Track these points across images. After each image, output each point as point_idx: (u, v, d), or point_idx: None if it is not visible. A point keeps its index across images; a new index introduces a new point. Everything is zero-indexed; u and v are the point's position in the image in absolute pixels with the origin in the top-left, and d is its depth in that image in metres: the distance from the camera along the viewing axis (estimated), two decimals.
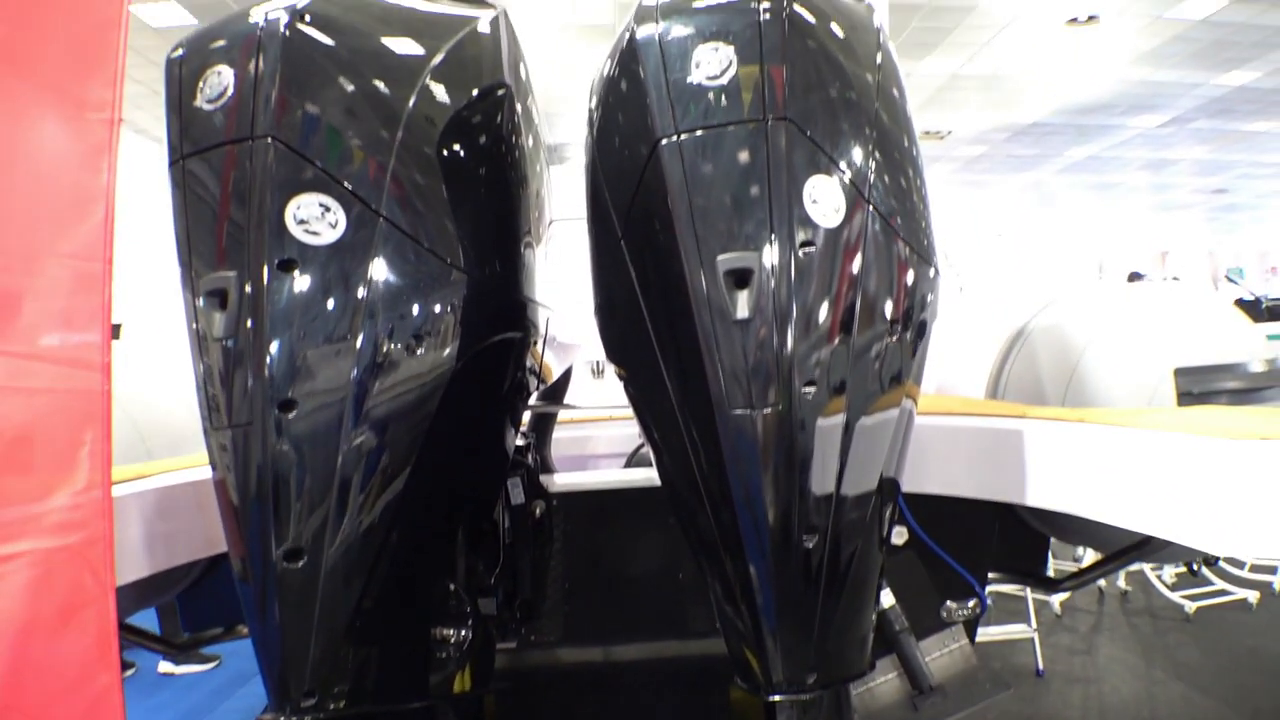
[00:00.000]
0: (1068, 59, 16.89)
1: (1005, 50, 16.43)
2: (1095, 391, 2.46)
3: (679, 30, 1.58)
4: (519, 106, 2.02)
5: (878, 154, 1.62)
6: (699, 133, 1.52)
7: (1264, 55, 16.59)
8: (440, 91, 1.67)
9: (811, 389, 1.50)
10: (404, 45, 1.68)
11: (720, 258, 1.49)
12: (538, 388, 2.28)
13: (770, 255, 1.49)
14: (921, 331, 1.69)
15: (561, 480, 2.48)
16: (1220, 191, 29.50)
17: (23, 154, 1.75)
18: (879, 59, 1.72)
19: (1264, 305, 12.74)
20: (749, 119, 1.51)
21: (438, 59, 1.68)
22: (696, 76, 1.53)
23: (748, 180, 1.50)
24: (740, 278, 1.49)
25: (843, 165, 1.56)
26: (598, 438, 3.50)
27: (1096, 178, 27.22)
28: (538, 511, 2.37)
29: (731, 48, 1.52)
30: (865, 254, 1.57)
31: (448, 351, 1.63)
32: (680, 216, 1.51)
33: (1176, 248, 43.09)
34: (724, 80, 1.52)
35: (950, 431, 2.29)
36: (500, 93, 1.89)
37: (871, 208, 1.58)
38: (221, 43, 1.56)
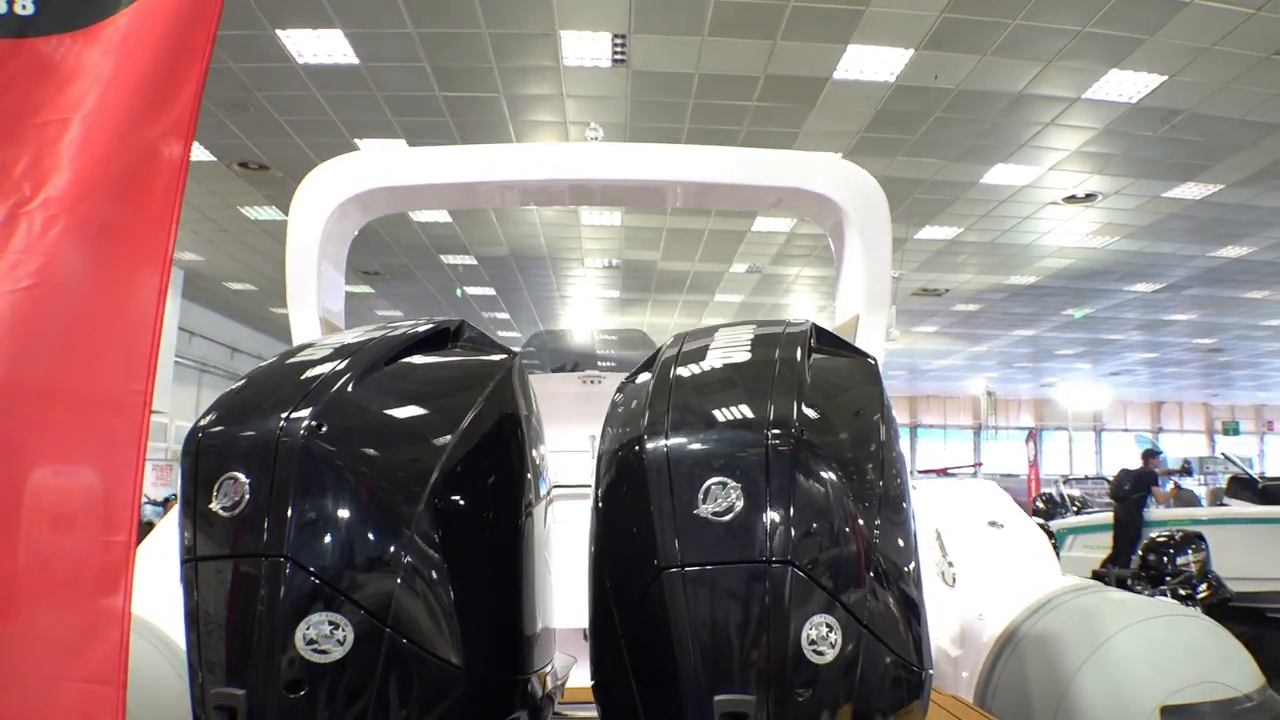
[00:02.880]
0: (1066, 232, 17.35)
1: (1004, 221, 16.89)
2: None
3: (688, 457, 1.60)
4: (531, 459, 2.03)
5: (879, 573, 1.62)
6: (703, 568, 1.54)
7: (1259, 233, 17.11)
8: (456, 482, 1.70)
9: None
10: (415, 448, 1.70)
11: (717, 698, 1.51)
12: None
13: (766, 700, 1.50)
14: None
15: None
16: (1215, 350, 29.90)
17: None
18: (881, 439, 1.75)
19: (1260, 485, 12.81)
20: (752, 560, 1.53)
21: (454, 445, 1.71)
22: (704, 510, 1.55)
23: (747, 621, 1.52)
24: (737, 719, 1.51)
25: (844, 599, 1.58)
26: None
27: (1092, 334, 27.66)
28: None
29: (739, 486, 1.55)
30: (863, 682, 1.60)
31: None
32: (681, 648, 1.54)
33: (1171, 399, 43.47)
34: (728, 518, 1.54)
35: None
36: (515, 460, 1.93)
37: (867, 631, 1.62)
38: (241, 445, 1.59)
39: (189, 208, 18.15)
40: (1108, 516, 14.00)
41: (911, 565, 1.73)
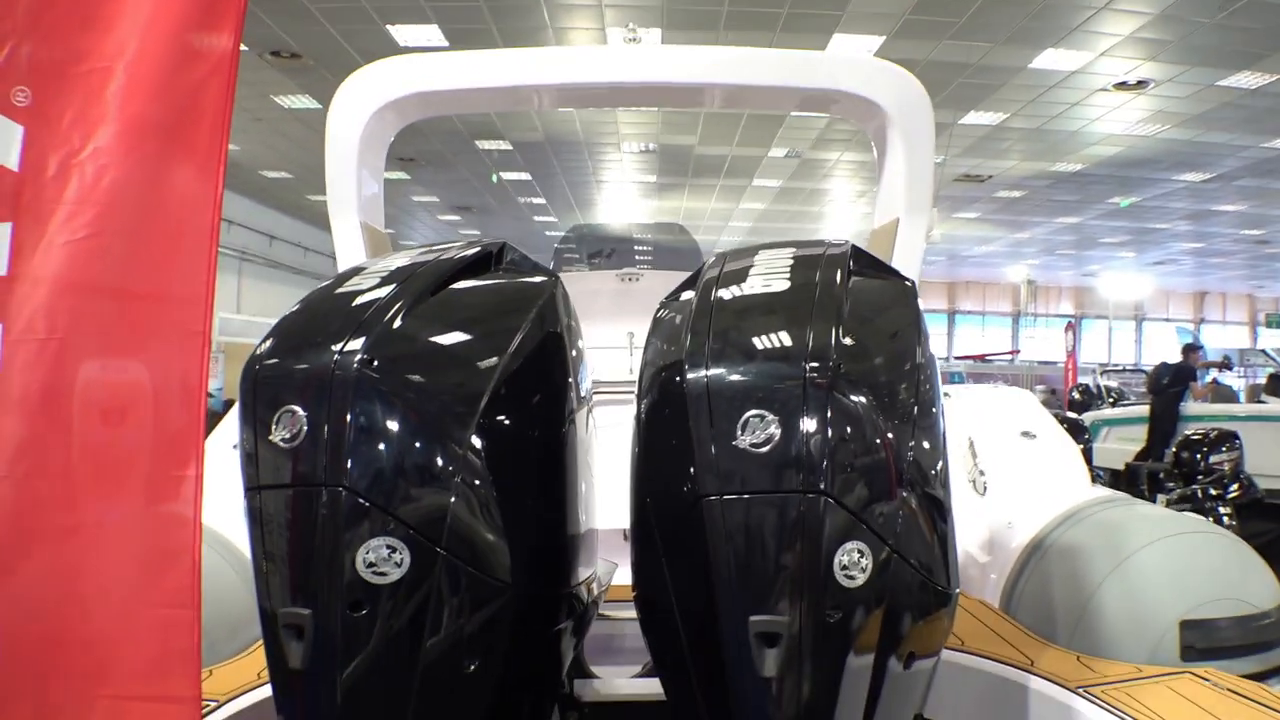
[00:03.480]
0: (1115, 119, 16.88)
1: (1051, 107, 16.44)
2: (1102, 635, 2.55)
3: (728, 389, 1.64)
4: (573, 371, 2.09)
5: (911, 499, 1.67)
6: (741, 498, 1.60)
7: None
8: (504, 405, 1.75)
9: None
10: (464, 376, 1.76)
11: (752, 619, 1.58)
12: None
13: (798, 621, 1.57)
14: (934, 652, 1.82)
15: (596, 688, 2.53)
16: (1262, 242, 29.27)
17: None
18: (917, 364, 1.79)
19: None
20: (789, 489, 1.58)
21: (500, 370, 1.76)
22: (742, 441, 1.60)
23: (783, 548, 1.58)
24: (770, 639, 1.58)
25: (876, 526, 1.65)
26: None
27: (1137, 224, 27.12)
28: None
29: (776, 419, 1.59)
30: (890, 604, 1.68)
31: (503, 663, 1.78)
32: (719, 572, 1.60)
33: (1215, 290, 42.76)
34: (766, 449, 1.59)
35: (961, 670, 2.42)
36: (559, 377, 1.98)
37: (898, 557, 1.69)
38: (295, 377, 1.65)
39: None
40: (1144, 409, 14.00)
41: (943, 489, 1.77)
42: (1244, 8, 11.75)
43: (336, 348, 1.65)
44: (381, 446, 1.62)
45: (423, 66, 4.06)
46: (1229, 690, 2.25)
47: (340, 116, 3.94)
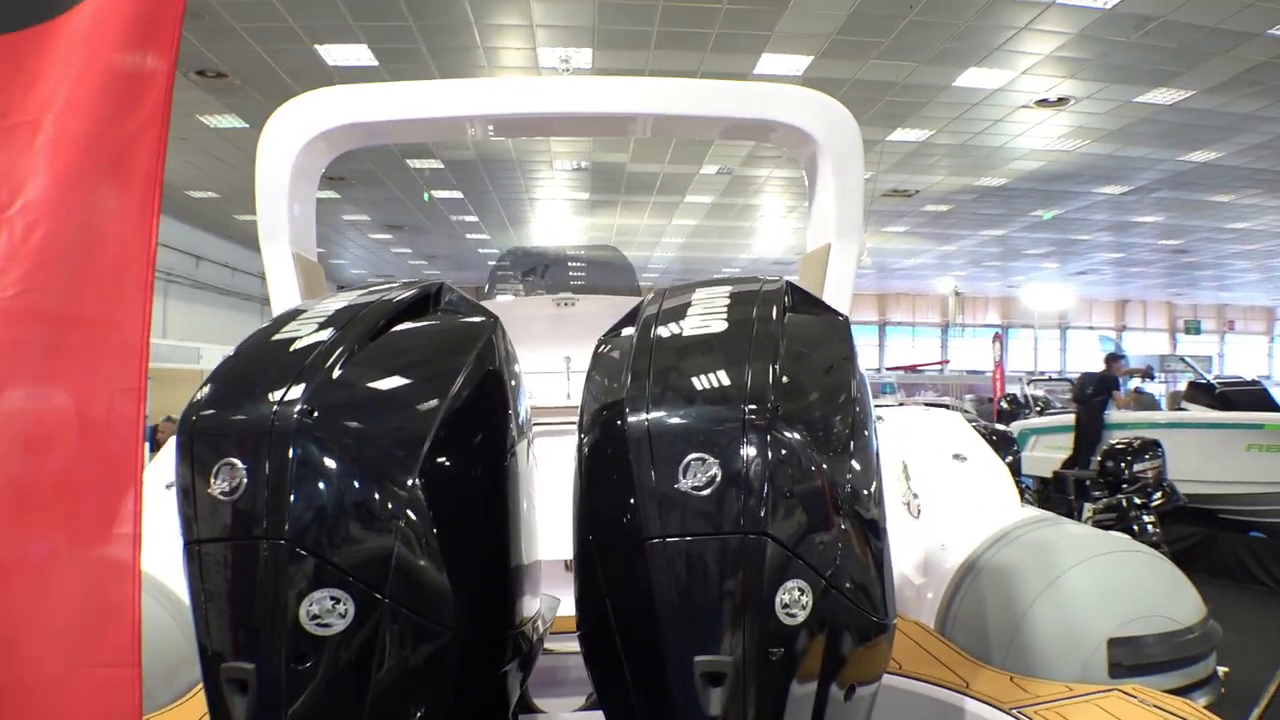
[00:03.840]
0: (1037, 135, 17.33)
1: (975, 124, 16.83)
2: (1034, 654, 2.60)
3: (669, 433, 1.65)
4: (513, 407, 2.08)
5: (849, 535, 1.70)
6: (683, 540, 1.62)
7: (1228, 138, 17.18)
8: (446, 449, 1.74)
9: None
10: (406, 421, 1.75)
11: (697, 659, 1.61)
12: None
13: (743, 659, 1.60)
14: (871, 680, 1.86)
15: None
16: (1180, 251, 30.22)
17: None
18: (853, 399, 1.81)
19: (1216, 390, 13.14)
20: (731, 531, 1.61)
21: (443, 414, 1.75)
22: (684, 484, 1.61)
23: (726, 589, 1.61)
24: (714, 678, 1.60)
25: (815, 563, 1.65)
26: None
27: (1060, 235, 27.84)
28: None
29: (717, 461, 1.61)
30: (830, 638, 1.71)
31: (449, 708, 1.77)
32: (663, 612, 1.63)
33: (1135, 298, 44.06)
34: (708, 491, 1.61)
35: (899, 694, 2.47)
36: (499, 416, 1.98)
37: (836, 591, 1.71)
38: (235, 431, 1.63)
39: None
40: (1069, 418, 14.33)
41: (879, 523, 1.80)
42: (1159, 27, 12.16)
43: (275, 397, 1.64)
44: (323, 497, 1.61)
45: (353, 98, 4.03)
46: (1155, 706, 2.32)
47: (271, 148, 3.90)
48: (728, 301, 2.03)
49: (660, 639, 1.65)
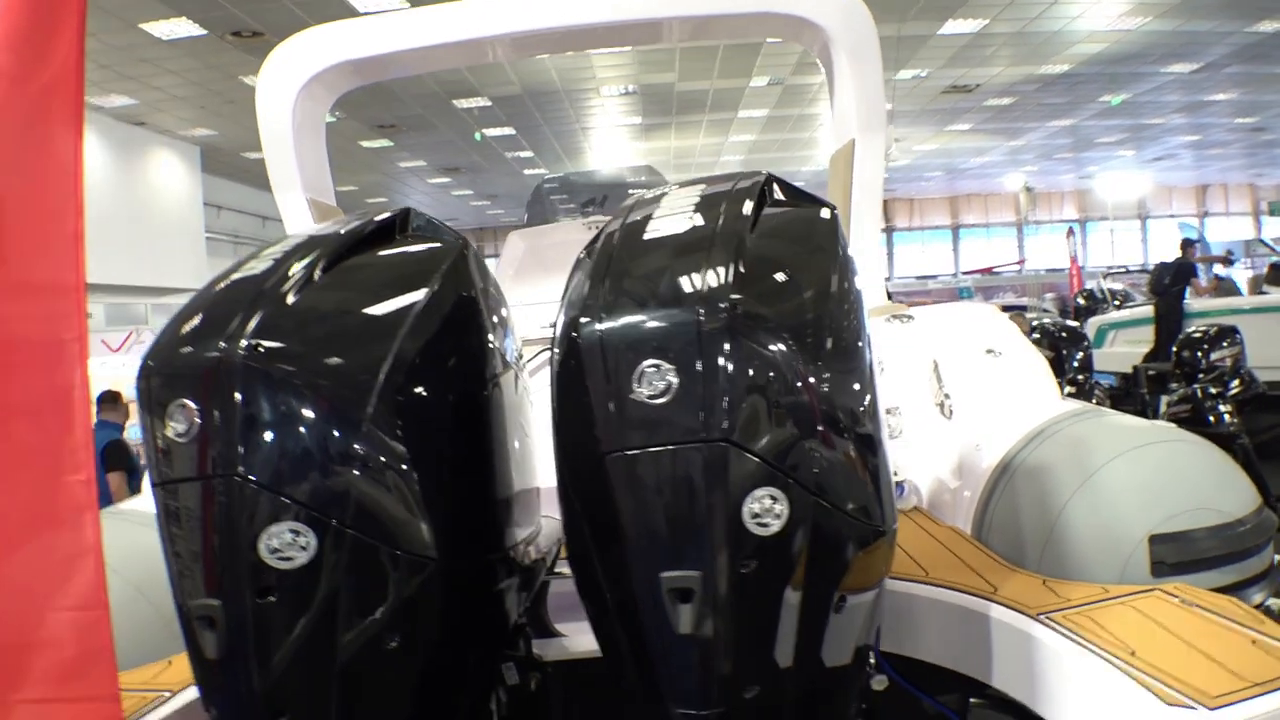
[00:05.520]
0: (1095, 15, 16.50)
1: (1030, 8, 16.07)
2: (1070, 556, 2.45)
3: (621, 341, 1.57)
4: (492, 334, 2.02)
5: (830, 437, 1.61)
6: (641, 452, 1.55)
7: None
8: (408, 375, 1.71)
9: (755, 690, 1.59)
10: (359, 349, 1.70)
11: (663, 575, 1.54)
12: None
13: (710, 574, 1.53)
14: (869, 588, 1.75)
15: (560, 646, 2.49)
16: (1258, 129, 28.79)
17: None
18: (833, 293, 1.69)
19: None
20: (688, 441, 1.53)
21: (402, 340, 1.71)
22: (639, 394, 1.54)
23: (689, 501, 1.54)
24: (683, 594, 1.53)
25: (788, 470, 1.56)
26: None
27: (1132, 121, 26.68)
28: (533, 684, 2.39)
29: (673, 368, 1.53)
30: (809, 549, 1.61)
31: (433, 636, 1.74)
32: (627, 529, 1.58)
33: (1216, 182, 42.23)
34: (664, 399, 1.53)
35: (922, 602, 2.35)
36: (474, 341, 1.93)
37: (817, 499, 1.61)
38: (184, 370, 1.61)
39: (192, 85, 17.90)
40: (1148, 310, 13.85)
41: (869, 422, 1.70)
42: None
43: (223, 334, 1.61)
44: (274, 431, 1.59)
45: (345, 35, 3.95)
46: (1196, 606, 2.15)
47: (267, 97, 3.89)
48: (696, 201, 1.93)
49: (627, 556, 1.60)
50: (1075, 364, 8.87)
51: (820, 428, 1.62)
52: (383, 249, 1.97)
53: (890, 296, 5.93)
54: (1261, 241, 22.19)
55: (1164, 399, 8.75)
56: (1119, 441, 2.65)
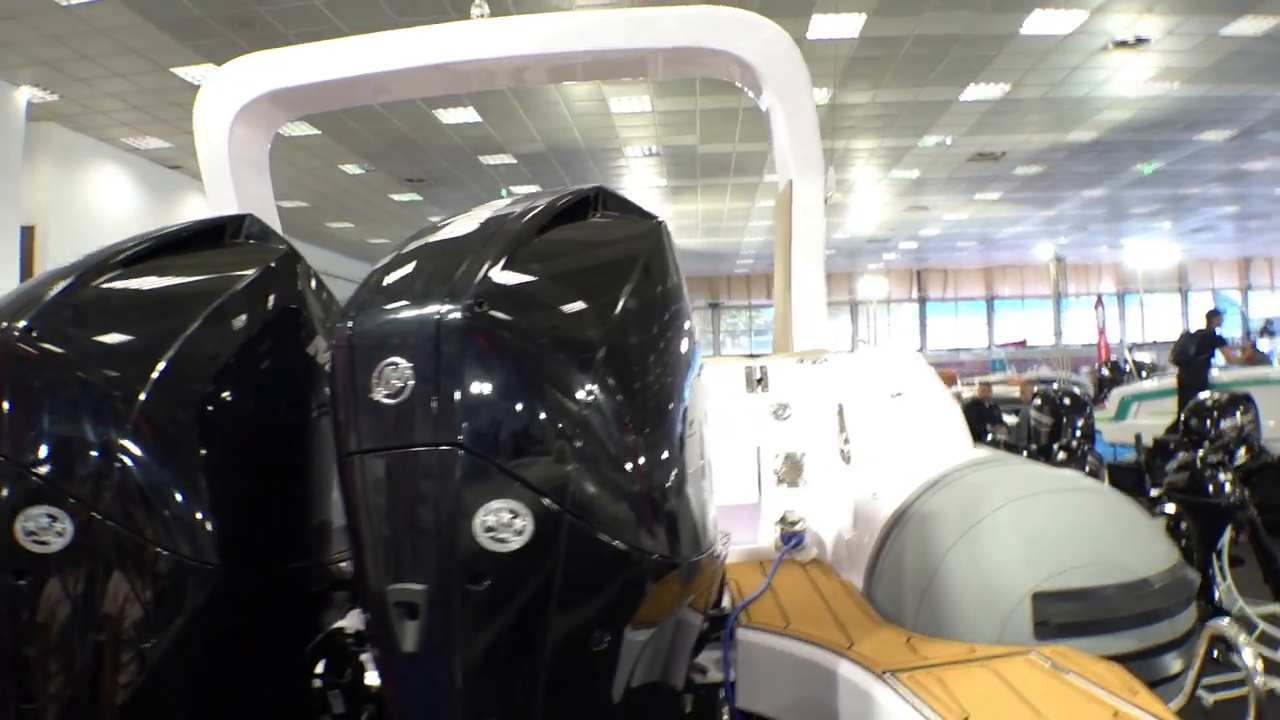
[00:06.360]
0: (1121, 80, 16.36)
1: (1053, 74, 15.97)
2: (946, 612, 2.22)
3: (366, 338, 1.49)
4: (312, 352, 2.00)
5: (593, 453, 1.48)
6: (373, 454, 1.46)
7: None
8: (188, 376, 1.70)
9: None
10: (145, 338, 1.69)
11: (390, 587, 1.43)
12: None
13: (437, 590, 1.41)
14: (645, 624, 1.60)
15: None
16: None
17: None
18: (617, 302, 1.59)
19: None
20: (420, 443, 1.43)
21: (188, 336, 1.71)
22: (377, 394, 1.45)
23: (416, 508, 1.44)
24: (410, 609, 1.42)
25: (536, 483, 1.43)
26: None
27: (1168, 190, 26.35)
28: (365, 717, 2.24)
29: (410, 366, 1.44)
30: (562, 574, 1.46)
31: (201, 645, 1.66)
32: (363, 538, 1.48)
33: (1259, 255, 41.53)
34: (398, 400, 1.43)
35: (774, 654, 2.17)
36: (292, 350, 1.96)
37: (572, 519, 1.47)
38: None
39: None
40: (1171, 381, 13.50)
41: (662, 445, 1.60)
42: None
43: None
44: (40, 416, 1.56)
45: (271, 64, 3.95)
46: (1068, 672, 1.92)
47: (203, 126, 3.95)
48: (503, 207, 1.86)
49: (363, 566, 1.50)
50: (1076, 431, 8.58)
51: (582, 444, 1.49)
52: (203, 251, 1.95)
53: None
54: None
55: (1168, 468, 8.40)
56: (1011, 490, 2.43)
